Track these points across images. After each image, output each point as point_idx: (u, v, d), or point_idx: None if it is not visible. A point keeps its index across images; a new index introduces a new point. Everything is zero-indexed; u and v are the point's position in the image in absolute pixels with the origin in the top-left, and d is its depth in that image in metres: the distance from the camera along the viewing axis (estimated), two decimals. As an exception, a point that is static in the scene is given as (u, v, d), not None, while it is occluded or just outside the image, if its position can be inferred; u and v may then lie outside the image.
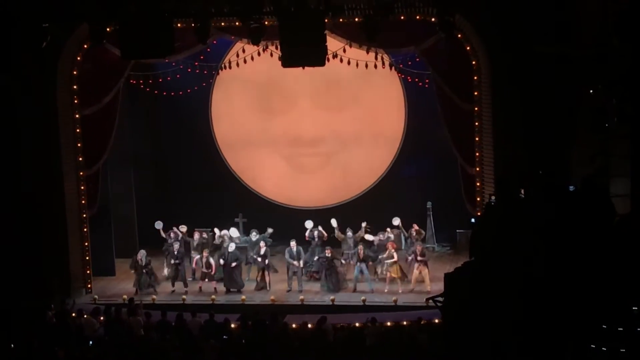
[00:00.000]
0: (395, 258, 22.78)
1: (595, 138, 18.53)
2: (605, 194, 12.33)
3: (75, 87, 23.02)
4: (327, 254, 22.87)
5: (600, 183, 12.37)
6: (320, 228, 23.82)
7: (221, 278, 23.34)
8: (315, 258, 23.46)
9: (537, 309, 11.21)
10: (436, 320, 19.45)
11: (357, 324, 20.21)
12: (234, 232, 24.57)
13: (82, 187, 23.47)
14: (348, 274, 23.44)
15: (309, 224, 23.95)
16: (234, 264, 23.10)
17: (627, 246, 11.88)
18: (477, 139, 22.28)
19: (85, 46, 22.66)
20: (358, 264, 22.90)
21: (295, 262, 23.12)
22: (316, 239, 23.70)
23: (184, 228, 24.33)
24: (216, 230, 24.50)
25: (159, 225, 24.28)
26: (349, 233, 23.72)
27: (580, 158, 19.28)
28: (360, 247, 22.94)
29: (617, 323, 11.16)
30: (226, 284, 23.25)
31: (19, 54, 21.19)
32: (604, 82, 17.66)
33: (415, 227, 23.60)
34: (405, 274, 23.03)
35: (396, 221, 23.86)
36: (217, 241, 24.26)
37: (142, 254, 23.42)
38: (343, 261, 23.41)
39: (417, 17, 21.49)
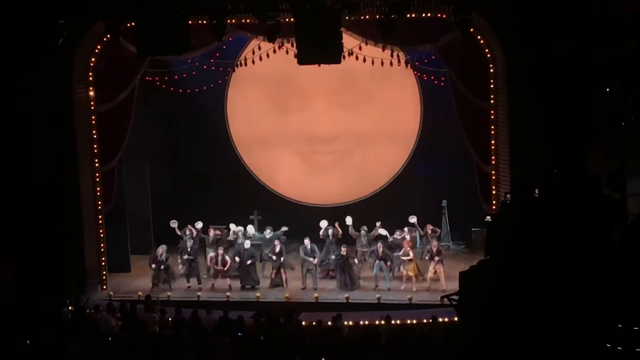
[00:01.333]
0: (412, 256, 22.77)
1: (611, 137, 18.47)
2: (605, 194, 12.25)
3: (91, 84, 23.07)
4: (342, 252, 22.88)
5: (596, 181, 12.29)
6: (336, 225, 23.80)
7: (236, 275, 23.39)
8: (332, 257, 23.46)
9: (553, 308, 11.19)
10: (451, 319, 19.42)
11: (372, 322, 20.20)
12: (250, 229, 24.59)
13: (98, 184, 23.54)
14: (362, 272, 23.44)
15: (323, 224, 23.93)
16: (249, 262, 23.14)
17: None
18: (492, 137, 22.24)
19: (101, 44, 22.70)
20: (377, 261, 22.90)
21: (310, 259, 23.12)
22: (330, 237, 23.69)
23: (199, 225, 24.35)
24: (232, 226, 24.48)
25: (174, 224, 24.31)
26: (363, 231, 23.71)
27: (597, 157, 19.21)
28: (380, 244, 22.93)
29: (634, 324, 11.12)
30: (242, 281, 23.30)
31: (35, 51, 21.32)
32: (620, 81, 17.59)
33: (430, 226, 23.56)
34: (421, 272, 23.03)
35: (412, 219, 23.82)
36: (231, 237, 24.28)
37: (162, 249, 23.48)
38: (357, 260, 23.38)
39: (433, 15, 21.47)
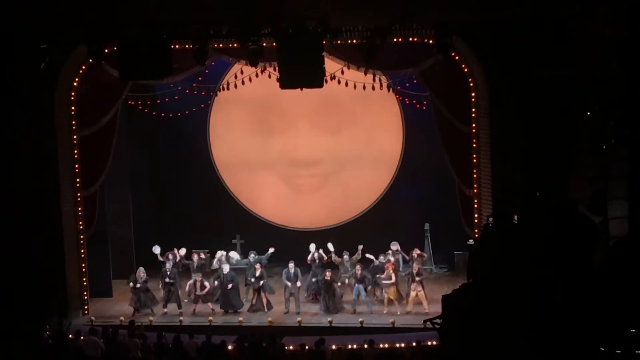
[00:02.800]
0: (393, 280, 22.72)
1: (592, 160, 18.54)
2: (584, 217, 12.30)
3: (73, 108, 23.01)
4: (326, 277, 22.84)
5: (574, 206, 12.36)
6: (320, 251, 23.76)
7: (217, 300, 23.32)
8: (313, 280, 23.44)
9: (535, 331, 11.19)
10: (434, 343, 19.40)
11: (354, 346, 20.16)
12: (234, 254, 24.52)
13: (80, 208, 23.42)
14: (346, 295, 23.40)
15: (312, 247, 23.85)
16: (230, 286, 23.06)
17: (624, 268, 11.87)
18: (474, 160, 22.30)
19: (84, 67, 22.66)
20: (356, 285, 22.87)
21: (290, 284, 23.06)
22: (317, 261, 23.63)
23: (182, 251, 24.26)
24: (218, 253, 24.27)
25: (156, 250, 24.18)
26: (346, 257, 23.64)
27: (578, 180, 19.27)
28: (358, 267, 22.90)
29: (616, 347, 11.14)
30: (222, 306, 23.23)
31: (18, 75, 21.30)
32: (601, 104, 17.69)
33: (417, 251, 23.43)
34: (402, 296, 22.98)
35: (395, 246, 23.78)
36: (214, 266, 24.07)
37: (142, 272, 23.37)
38: (339, 284, 23.31)
39: (415, 39, 21.55)
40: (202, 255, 24.47)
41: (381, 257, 23.27)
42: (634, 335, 11.29)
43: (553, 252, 11.39)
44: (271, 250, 23.81)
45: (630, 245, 13.15)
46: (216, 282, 23.30)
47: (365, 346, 19.51)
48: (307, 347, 19.37)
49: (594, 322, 11.22)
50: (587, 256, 11.54)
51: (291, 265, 23.12)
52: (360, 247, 23.51)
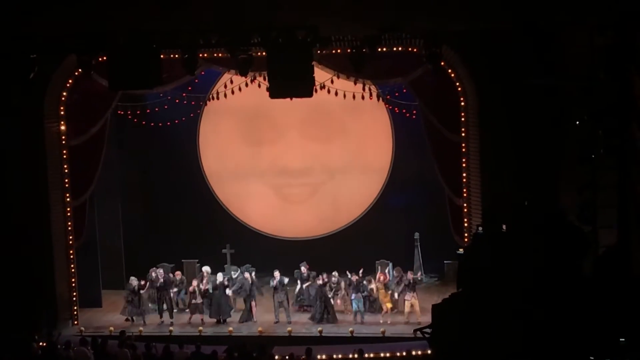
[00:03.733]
0: (385, 280, 22.78)
1: (582, 169, 18.58)
2: (574, 226, 12.32)
3: (62, 118, 23.01)
4: (318, 282, 22.83)
5: (564, 215, 12.38)
6: (303, 267, 23.71)
7: (208, 308, 23.29)
8: (304, 285, 23.38)
9: (525, 340, 11.20)
10: (425, 352, 19.39)
11: (344, 356, 20.14)
12: (219, 276, 24.01)
13: (69, 218, 23.40)
14: (336, 305, 23.37)
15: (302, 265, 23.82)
16: (220, 293, 23.01)
17: (613, 277, 11.88)
18: (464, 169, 22.35)
19: (73, 77, 22.67)
20: (354, 295, 22.81)
21: (281, 293, 23.03)
22: (303, 274, 23.58)
23: (178, 275, 24.10)
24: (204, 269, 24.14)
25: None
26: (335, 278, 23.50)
27: (567, 189, 19.31)
28: (355, 277, 22.84)
29: (606, 356, 11.15)
30: (212, 314, 23.18)
31: (6, 84, 21.24)
32: (590, 113, 17.73)
33: (411, 275, 23.22)
34: (395, 305, 23.02)
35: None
36: (204, 285, 23.86)
37: (134, 281, 23.32)
38: (334, 298, 23.25)
39: (405, 49, 21.60)
40: (178, 275, 24.16)
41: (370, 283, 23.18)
42: (623, 345, 11.30)
43: (542, 261, 11.41)
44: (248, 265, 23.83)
45: (619, 254, 13.18)
46: (205, 294, 23.23)
47: (355, 355, 19.48)
48: (296, 357, 19.33)
49: (584, 332, 11.23)
50: (576, 265, 11.55)
51: (277, 274, 23.08)
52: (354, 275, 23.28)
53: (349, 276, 22.98)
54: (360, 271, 23.21)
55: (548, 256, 11.42)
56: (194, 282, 23.41)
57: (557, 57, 19.96)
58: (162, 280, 23.59)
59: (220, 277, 23.37)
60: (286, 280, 23.20)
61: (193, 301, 23.35)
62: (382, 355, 20.45)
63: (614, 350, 11.31)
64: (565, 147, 20.11)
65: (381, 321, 22.71)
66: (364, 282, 23.02)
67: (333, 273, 23.17)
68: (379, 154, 26.16)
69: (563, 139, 20.13)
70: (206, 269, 23.78)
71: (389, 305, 22.86)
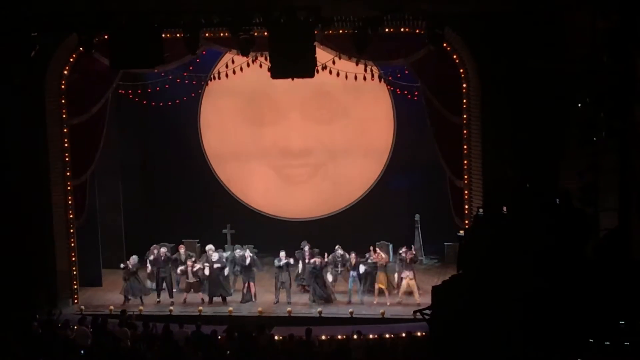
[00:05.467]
0: (384, 259, 22.78)
1: (583, 152, 18.56)
2: (576, 208, 12.33)
3: (63, 96, 22.96)
4: (316, 263, 22.84)
5: (569, 196, 12.38)
6: (306, 247, 23.73)
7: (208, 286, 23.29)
8: (301, 266, 23.40)
9: (526, 322, 11.22)
10: (423, 333, 19.42)
11: (343, 337, 20.16)
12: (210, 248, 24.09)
13: (70, 197, 23.39)
14: (338, 286, 23.36)
15: (304, 244, 23.82)
16: (219, 273, 23.00)
17: (614, 259, 11.90)
18: (465, 151, 22.32)
19: (74, 56, 22.60)
20: (351, 273, 22.84)
21: (285, 272, 23.04)
22: (307, 253, 23.58)
23: (182, 249, 24.07)
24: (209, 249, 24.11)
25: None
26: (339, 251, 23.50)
27: (569, 172, 19.31)
28: (353, 255, 22.86)
29: (606, 338, 11.16)
30: (211, 292, 23.15)
31: (8, 63, 21.21)
32: (592, 96, 17.71)
33: (412, 252, 23.30)
34: (393, 285, 23.04)
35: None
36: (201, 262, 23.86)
37: (134, 259, 23.32)
38: (330, 276, 23.28)
39: (407, 30, 21.55)
40: (182, 251, 24.14)
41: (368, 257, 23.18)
42: (623, 327, 11.32)
43: (545, 243, 11.42)
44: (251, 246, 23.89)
45: (620, 236, 13.20)
46: (206, 271, 23.18)
47: (355, 336, 19.51)
48: (296, 337, 19.36)
49: (584, 314, 11.24)
50: (579, 247, 11.56)
51: (282, 254, 23.06)
52: (353, 254, 23.24)
53: (347, 256, 22.99)
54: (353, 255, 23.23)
55: (551, 238, 11.43)
56: (189, 262, 23.36)
57: (559, 40, 19.93)
58: (163, 258, 23.58)
59: (216, 256, 23.28)
60: (292, 261, 23.19)
61: (193, 280, 23.32)
62: (381, 336, 20.42)
63: (614, 333, 11.33)
64: (567, 130, 20.09)
65: (375, 302, 22.72)
66: (367, 254, 23.00)
67: (336, 247, 23.16)
68: (381, 135, 26.09)
69: (565, 121, 20.11)
70: (210, 247, 23.77)
71: (382, 286, 22.81)
